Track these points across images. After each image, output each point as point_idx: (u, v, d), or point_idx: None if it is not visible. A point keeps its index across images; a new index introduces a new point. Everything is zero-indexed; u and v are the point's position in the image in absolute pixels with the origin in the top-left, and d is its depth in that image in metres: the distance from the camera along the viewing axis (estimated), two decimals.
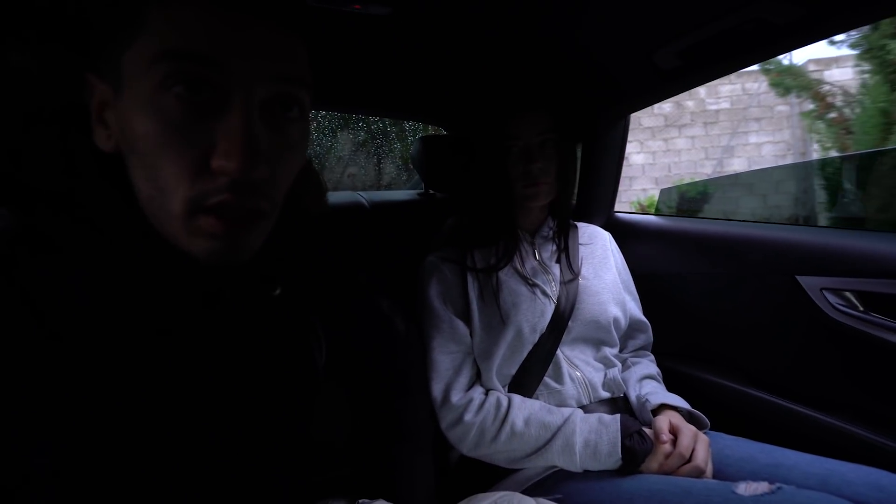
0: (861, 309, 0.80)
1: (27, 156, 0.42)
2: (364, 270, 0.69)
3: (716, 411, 0.84)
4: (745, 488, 0.62)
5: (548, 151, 0.85)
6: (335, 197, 1.22)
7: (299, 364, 0.56)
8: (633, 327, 0.97)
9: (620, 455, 0.72)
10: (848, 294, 0.83)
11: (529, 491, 0.76)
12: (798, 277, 0.88)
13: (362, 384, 0.74)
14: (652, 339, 0.99)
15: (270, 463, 0.54)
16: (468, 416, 0.78)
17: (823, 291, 0.84)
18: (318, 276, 0.60)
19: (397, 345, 0.74)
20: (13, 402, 0.35)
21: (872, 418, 0.80)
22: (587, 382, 0.84)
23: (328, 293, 0.61)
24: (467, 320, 0.84)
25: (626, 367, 0.95)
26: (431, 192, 1.26)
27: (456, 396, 0.79)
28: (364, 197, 1.18)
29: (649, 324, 0.99)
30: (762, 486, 0.61)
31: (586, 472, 0.74)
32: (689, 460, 0.72)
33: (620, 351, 0.96)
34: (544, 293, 0.86)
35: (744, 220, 1.14)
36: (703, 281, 1.06)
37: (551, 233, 0.94)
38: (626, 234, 1.14)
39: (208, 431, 0.46)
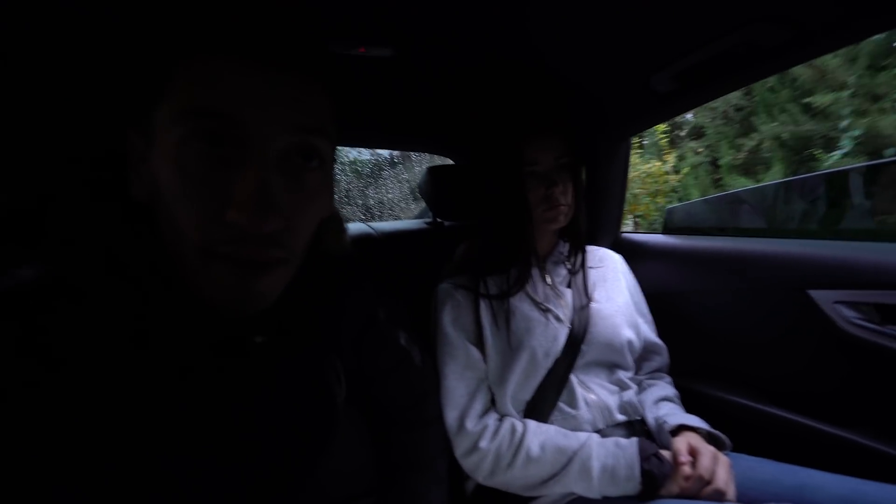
0: (876, 321, 0.79)
1: (64, 201, 0.45)
2: (383, 307, 0.69)
3: (736, 431, 0.82)
4: None
5: (564, 175, 0.86)
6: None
7: (320, 402, 0.56)
8: (647, 349, 0.97)
9: (639, 479, 0.70)
10: (861, 306, 0.82)
11: None
12: (810, 291, 0.87)
13: (380, 416, 0.75)
14: (668, 360, 0.98)
15: (291, 499, 0.54)
16: (483, 443, 0.77)
17: (836, 305, 0.84)
18: (339, 316, 0.61)
19: (414, 376, 0.75)
20: (28, 448, 0.36)
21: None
22: (602, 406, 0.83)
23: (348, 332, 0.62)
24: (481, 346, 0.84)
25: (641, 389, 0.94)
26: (439, 220, 1.29)
27: (471, 423, 0.79)
28: (373, 227, 1.21)
29: (664, 345, 0.98)
30: None
31: (605, 497, 0.73)
32: (710, 482, 0.70)
33: (636, 373, 0.95)
34: (557, 318, 0.86)
35: (753, 236, 1.14)
36: (715, 298, 1.06)
37: (562, 257, 0.95)
38: (634, 255, 1.14)
39: (229, 471, 0.47)
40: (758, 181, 3.73)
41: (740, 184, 3.86)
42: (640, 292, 1.00)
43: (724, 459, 0.73)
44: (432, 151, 1.55)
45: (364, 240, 1.16)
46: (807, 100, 3.48)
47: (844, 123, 3.28)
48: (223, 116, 0.37)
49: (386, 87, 0.98)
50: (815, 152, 3.41)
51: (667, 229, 1.41)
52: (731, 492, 0.70)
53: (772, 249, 0.98)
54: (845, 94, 3.29)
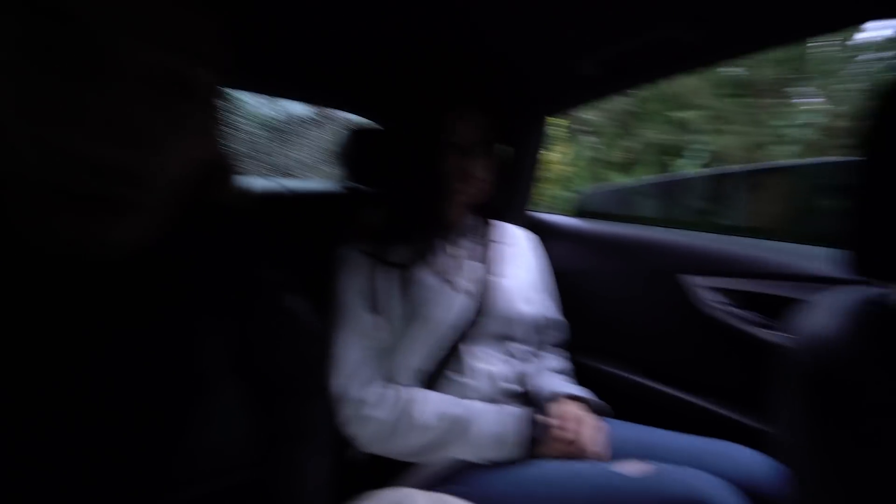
0: (729, 304, 0.91)
1: None
2: (274, 267, 0.65)
3: (614, 399, 0.90)
4: (627, 469, 0.68)
5: (483, 149, 0.86)
6: (248, 183, 1.16)
7: (189, 368, 0.51)
8: (544, 324, 1.01)
9: (523, 444, 0.75)
10: (720, 291, 0.93)
11: (432, 483, 0.76)
12: (682, 276, 0.98)
13: (265, 385, 0.71)
14: (562, 335, 1.04)
15: (157, 472, 0.50)
16: (371, 412, 0.77)
17: (701, 289, 0.94)
18: (220, 275, 0.55)
19: (305, 344, 0.72)
20: None
21: (735, 399, 0.91)
22: (495, 376, 0.86)
23: (231, 292, 0.56)
24: (378, 314, 0.83)
25: (536, 361, 0.98)
26: (357, 185, 1.24)
27: (359, 391, 0.78)
28: (284, 185, 1.13)
29: (562, 321, 1.03)
30: (642, 466, 0.68)
31: (490, 462, 0.76)
32: (587, 446, 0.76)
33: (532, 347, 1.00)
34: (458, 290, 0.87)
35: (641, 224, 1.24)
36: (608, 280, 1.14)
37: (470, 230, 0.95)
38: (541, 233, 1.19)
39: (79, 440, 0.41)
40: (631, 177, 4.23)
41: (618, 179, 4.34)
42: (544, 270, 1.05)
43: (598, 425, 0.80)
44: (355, 111, 1.47)
45: (272, 198, 1.08)
46: (675, 113, 3.99)
47: (700, 137, 3.83)
48: (70, 19, 0.31)
49: (307, 31, 0.90)
50: (676, 159, 3.95)
51: (577, 212, 1.49)
52: (603, 454, 0.77)
53: (656, 237, 1.08)
54: (703, 113, 3.83)
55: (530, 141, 1.23)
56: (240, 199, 0.59)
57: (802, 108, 3.27)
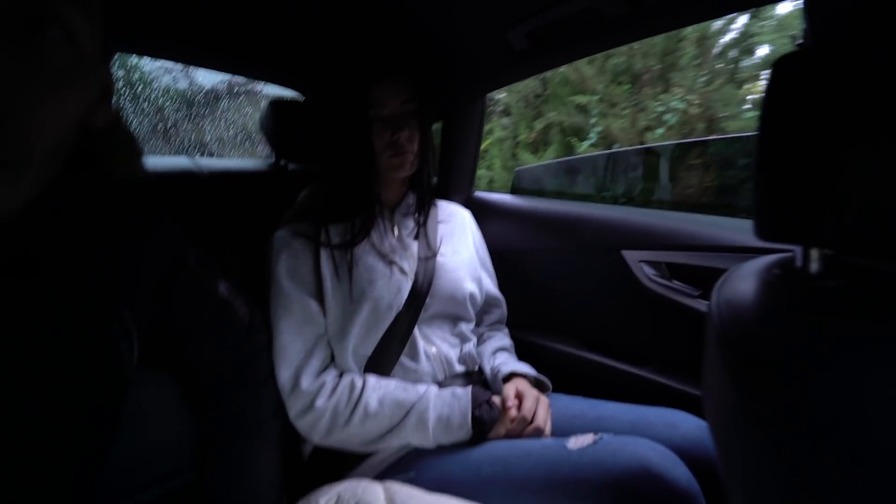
0: (668, 277, 0.95)
1: None
2: (194, 250, 0.59)
3: (556, 374, 0.92)
4: (574, 442, 0.69)
5: (412, 122, 0.83)
6: (161, 162, 1.04)
7: (100, 363, 0.46)
8: (488, 303, 1.01)
9: (470, 426, 0.74)
10: (659, 265, 0.96)
11: (383, 473, 0.74)
12: (623, 251, 1.00)
13: (197, 378, 0.65)
14: (506, 313, 1.04)
15: (78, 486, 0.44)
16: (320, 402, 0.73)
17: (641, 263, 0.97)
18: (127, 257, 0.49)
19: (238, 333, 0.66)
20: None
21: (672, 368, 0.96)
22: (443, 358, 0.85)
23: (145, 277, 0.51)
24: (320, 299, 0.79)
25: (481, 341, 0.98)
26: (283, 162, 1.15)
27: (307, 382, 0.73)
28: (201, 164, 1.02)
29: (503, 299, 1.04)
30: (587, 439, 0.69)
31: (439, 446, 0.75)
32: (531, 422, 0.77)
33: (476, 326, 0.99)
34: (402, 270, 0.84)
35: (582, 201, 1.26)
36: (549, 256, 1.15)
37: (411, 209, 0.92)
38: (483, 213, 1.18)
39: None
40: (539, 158, 4.46)
41: (528, 159, 4.58)
42: (485, 248, 1.04)
43: (544, 401, 0.81)
44: (280, 83, 1.37)
45: (185, 178, 0.97)
46: (573, 97, 4.27)
47: (593, 121, 4.13)
48: None
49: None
50: (575, 140, 4.24)
51: (514, 189, 1.49)
52: (547, 429, 0.78)
53: (595, 214, 1.10)
54: (595, 98, 4.12)
55: (470, 119, 1.20)
56: (146, 177, 0.53)
57: (676, 96, 3.68)
